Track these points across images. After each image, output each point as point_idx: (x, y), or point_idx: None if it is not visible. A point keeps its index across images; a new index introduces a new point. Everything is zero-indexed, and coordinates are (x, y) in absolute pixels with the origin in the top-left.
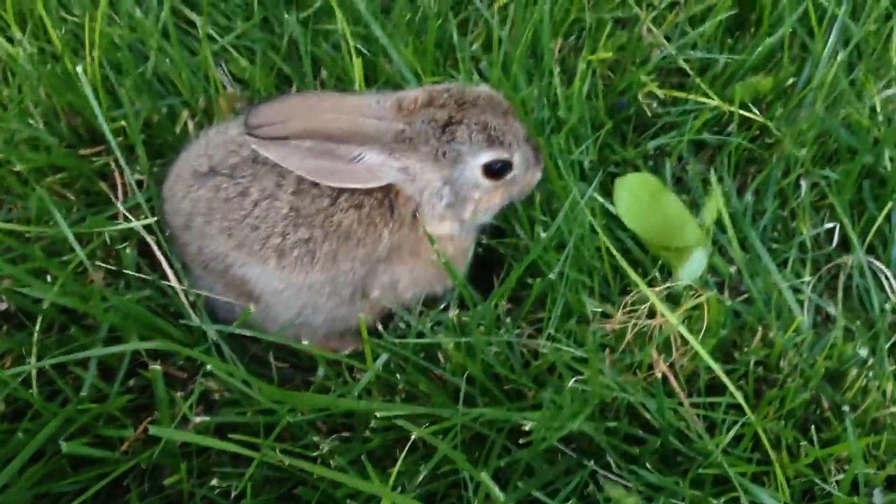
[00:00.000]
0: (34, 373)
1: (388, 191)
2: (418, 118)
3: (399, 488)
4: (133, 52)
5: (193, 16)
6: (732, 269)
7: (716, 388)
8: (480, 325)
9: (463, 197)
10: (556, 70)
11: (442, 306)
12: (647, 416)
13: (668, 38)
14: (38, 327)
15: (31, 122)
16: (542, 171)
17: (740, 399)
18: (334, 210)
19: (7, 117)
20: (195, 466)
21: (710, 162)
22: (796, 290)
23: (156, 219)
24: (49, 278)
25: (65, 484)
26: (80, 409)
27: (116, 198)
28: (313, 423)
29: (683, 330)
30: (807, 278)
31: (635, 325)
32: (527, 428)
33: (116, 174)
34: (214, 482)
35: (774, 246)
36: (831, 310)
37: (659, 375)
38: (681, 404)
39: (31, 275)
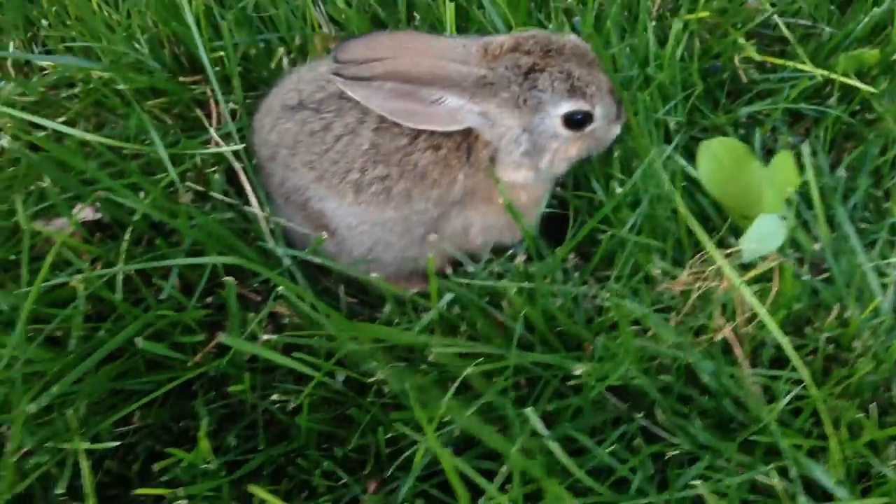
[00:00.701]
0: (120, 277)
1: (468, 134)
2: (502, 63)
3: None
4: None
5: None
6: (817, 247)
7: (782, 361)
8: (546, 276)
9: (541, 146)
10: (651, 26)
11: (509, 253)
12: (706, 380)
13: (772, 5)
14: (127, 236)
15: (136, 46)
16: (622, 126)
17: (801, 369)
18: (412, 149)
19: (115, 40)
20: (258, 381)
21: (806, 135)
22: (882, 274)
23: (244, 146)
24: (142, 195)
25: (138, 382)
26: (158, 315)
27: (210, 125)
28: (373, 355)
29: (747, 291)
30: (893, 260)
31: (700, 286)
32: (577, 373)
33: (212, 103)
34: (275, 396)
35: (863, 225)
36: None
37: (718, 338)
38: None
39: (125, 188)
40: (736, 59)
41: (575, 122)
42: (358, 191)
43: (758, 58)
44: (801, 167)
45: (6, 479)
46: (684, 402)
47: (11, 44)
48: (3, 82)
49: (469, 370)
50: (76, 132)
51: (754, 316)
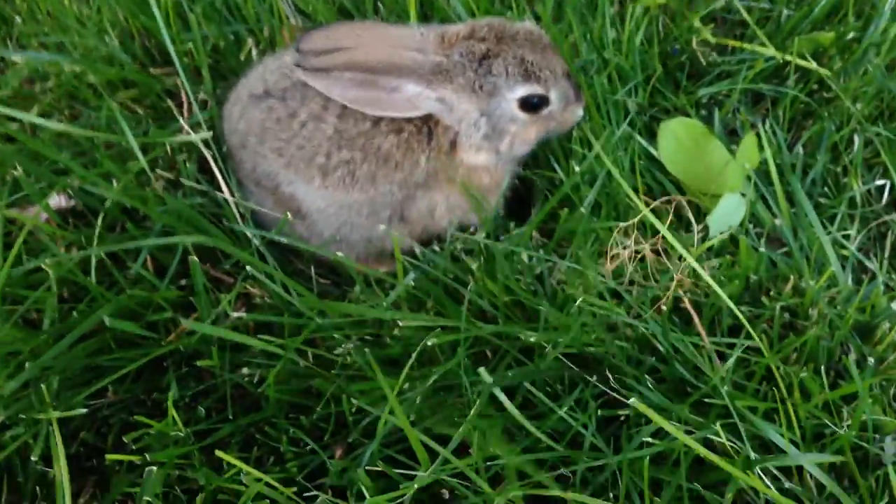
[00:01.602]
0: (94, 261)
1: (429, 119)
2: (457, 50)
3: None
4: None
5: None
6: (778, 222)
7: (739, 330)
8: (507, 255)
9: (500, 129)
10: (609, 12)
11: (472, 230)
12: (660, 346)
13: None
14: (100, 222)
15: (107, 39)
16: (583, 108)
17: (751, 332)
18: (375, 133)
19: (85, 34)
20: (229, 356)
21: (766, 116)
22: (841, 246)
23: (211, 133)
24: (115, 184)
25: (109, 359)
26: (129, 296)
27: (181, 115)
28: (339, 329)
29: (700, 268)
30: (850, 232)
31: (644, 255)
32: (531, 340)
33: (182, 93)
34: (245, 370)
35: (823, 201)
36: (873, 266)
37: (665, 308)
38: (696, 335)
39: (98, 177)
40: (694, 42)
41: (531, 105)
42: (324, 174)
43: (713, 40)
44: (760, 145)
45: None
46: (642, 369)
47: None
48: None
49: (430, 341)
50: (49, 123)
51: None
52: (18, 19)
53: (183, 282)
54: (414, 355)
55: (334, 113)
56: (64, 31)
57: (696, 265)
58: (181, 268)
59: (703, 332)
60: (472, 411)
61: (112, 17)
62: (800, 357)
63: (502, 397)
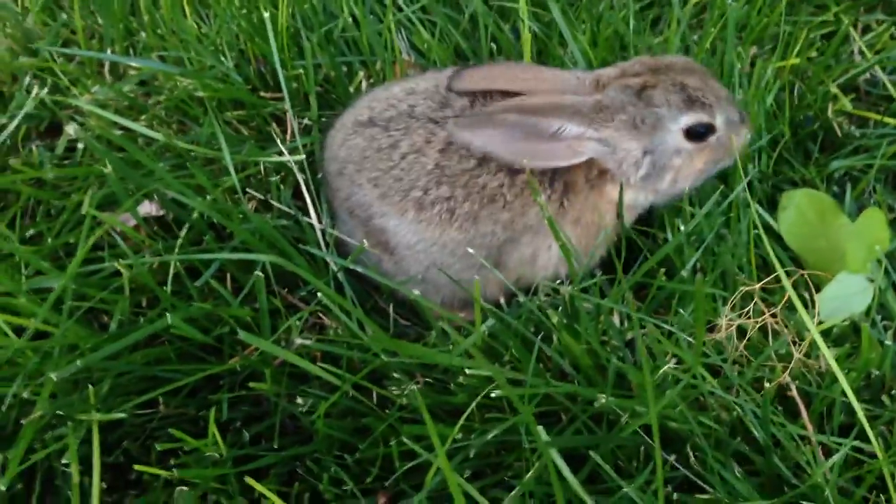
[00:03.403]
0: (171, 271)
1: None
2: (612, 89)
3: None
4: (325, 12)
5: None
6: None
7: (850, 430)
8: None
9: (662, 166)
10: (737, 69)
11: (558, 281)
12: (755, 432)
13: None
14: (183, 233)
15: (222, 59)
16: (750, 131)
17: (863, 419)
18: (480, 172)
19: (203, 52)
20: (285, 384)
21: None
22: None
23: (305, 157)
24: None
25: (165, 369)
26: (198, 307)
27: (284, 139)
28: (408, 373)
29: (827, 352)
30: None
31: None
32: (602, 402)
33: (288, 117)
34: (299, 400)
35: None
36: None
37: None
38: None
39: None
40: (829, 111)
41: (697, 134)
42: (420, 209)
43: (850, 109)
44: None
45: (23, 442)
46: (734, 456)
47: (108, 50)
48: (98, 86)
49: (494, 393)
50: (148, 131)
51: (822, 374)
52: (143, 34)
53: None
54: (473, 404)
55: (437, 147)
56: (184, 48)
57: (820, 341)
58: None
59: (808, 424)
60: (528, 474)
61: (230, 38)
62: None
63: (558, 460)
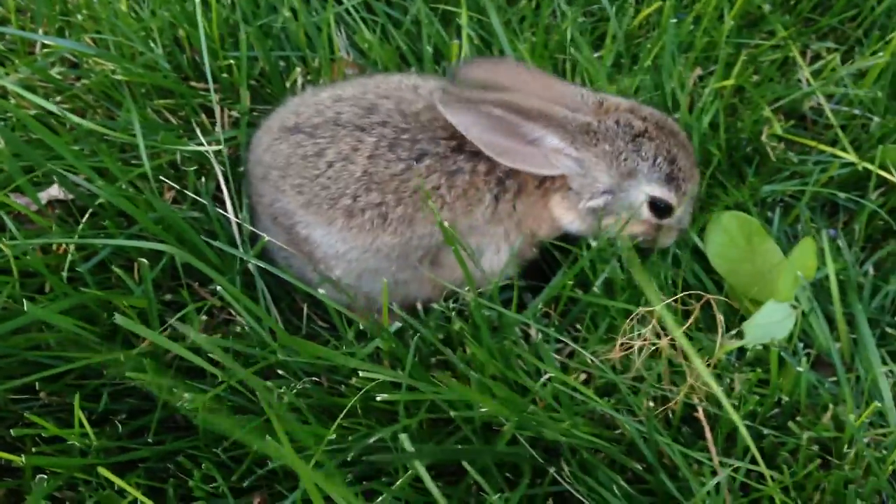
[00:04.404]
0: (68, 259)
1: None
2: (613, 118)
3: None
4: (267, 5)
5: None
6: (837, 345)
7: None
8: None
9: (611, 210)
10: (680, 91)
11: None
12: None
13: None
14: (85, 218)
15: (152, 45)
16: (676, 238)
17: (751, 445)
18: (409, 176)
19: (132, 37)
20: (171, 374)
21: (838, 228)
22: None
23: (223, 147)
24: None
25: (44, 355)
26: (89, 294)
27: (213, 130)
28: (305, 373)
29: (712, 381)
30: None
31: (642, 348)
32: (483, 411)
33: (217, 109)
34: (186, 395)
35: (890, 330)
36: None
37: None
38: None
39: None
40: (764, 135)
41: (657, 208)
42: (349, 216)
43: (780, 132)
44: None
45: None
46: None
47: (40, 30)
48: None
49: (379, 397)
50: (56, 110)
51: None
52: (79, 16)
53: (168, 297)
54: (351, 404)
55: (364, 154)
56: (113, 32)
57: (703, 371)
58: (174, 283)
59: (711, 447)
60: (397, 482)
61: (162, 25)
62: (823, 499)
63: (421, 470)
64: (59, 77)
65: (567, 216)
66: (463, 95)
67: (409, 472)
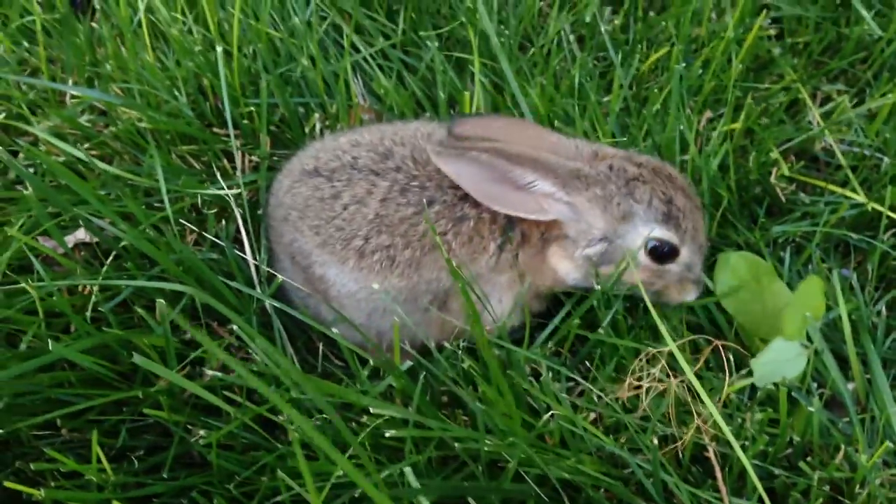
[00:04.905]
0: (92, 299)
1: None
2: (607, 164)
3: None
4: (287, 55)
5: (342, 24)
6: (851, 386)
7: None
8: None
9: (609, 259)
10: (689, 132)
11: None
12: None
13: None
14: (109, 260)
15: (176, 94)
16: (697, 294)
17: (758, 485)
18: (418, 220)
19: (157, 86)
20: (187, 412)
21: (850, 268)
22: None
23: (242, 191)
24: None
25: (66, 393)
26: (111, 334)
27: (233, 175)
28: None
29: (721, 420)
30: None
31: (650, 388)
32: (487, 448)
33: (237, 154)
34: (202, 432)
35: None
36: None
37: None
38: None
39: (120, 217)
40: (773, 176)
41: (658, 253)
42: (360, 257)
43: (787, 173)
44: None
45: None
46: None
47: (70, 80)
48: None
49: (388, 433)
50: (82, 155)
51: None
52: (108, 66)
53: (189, 336)
54: (359, 437)
55: (378, 198)
56: (138, 81)
57: (713, 409)
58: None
59: (722, 487)
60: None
61: (186, 74)
62: None
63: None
64: (87, 125)
65: (564, 265)
66: (452, 145)
67: None
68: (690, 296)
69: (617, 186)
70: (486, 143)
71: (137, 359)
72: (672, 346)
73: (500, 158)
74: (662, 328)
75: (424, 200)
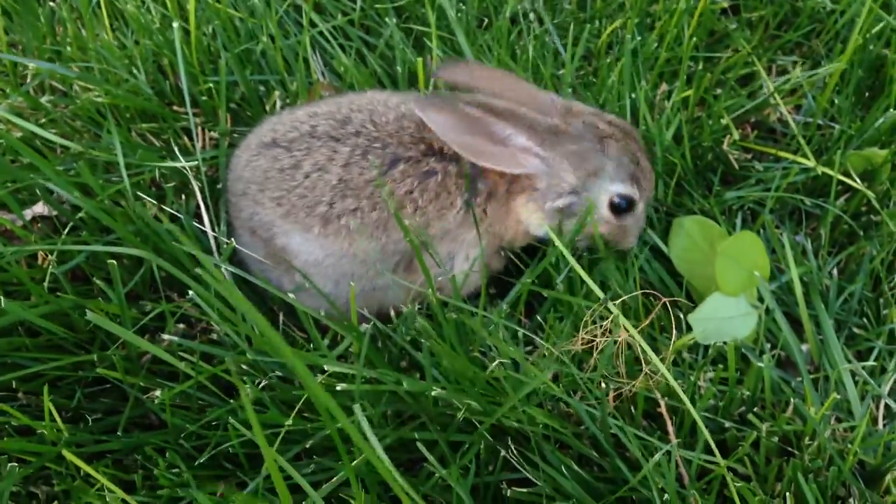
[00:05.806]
0: (50, 268)
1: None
2: (580, 119)
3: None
4: (247, 33)
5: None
6: (804, 348)
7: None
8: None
9: (575, 211)
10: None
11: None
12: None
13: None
14: (66, 231)
15: (135, 72)
16: (636, 240)
17: (705, 431)
18: (384, 181)
19: (116, 64)
20: (143, 374)
21: (812, 233)
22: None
23: (199, 163)
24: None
25: (23, 356)
26: (66, 298)
27: (193, 151)
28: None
29: (667, 373)
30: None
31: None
32: (434, 394)
33: (196, 131)
34: (157, 393)
35: (857, 331)
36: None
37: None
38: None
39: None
40: (725, 144)
41: (618, 206)
42: (326, 223)
43: (737, 138)
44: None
45: None
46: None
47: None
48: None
49: (339, 387)
50: (44, 132)
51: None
52: (68, 49)
53: (149, 307)
54: (302, 400)
55: (339, 163)
56: (98, 60)
57: (657, 362)
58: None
59: (672, 437)
60: (356, 461)
61: (144, 52)
62: (783, 491)
63: (373, 441)
64: (48, 104)
65: (532, 217)
66: (439, 99)
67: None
68: (633, 242)
69: (591, 143)
70: (471, 96)
71: (91, 315)
72: (620, 299)
73: (487, 114)
74: (613, 282)
75: (386, 162)
